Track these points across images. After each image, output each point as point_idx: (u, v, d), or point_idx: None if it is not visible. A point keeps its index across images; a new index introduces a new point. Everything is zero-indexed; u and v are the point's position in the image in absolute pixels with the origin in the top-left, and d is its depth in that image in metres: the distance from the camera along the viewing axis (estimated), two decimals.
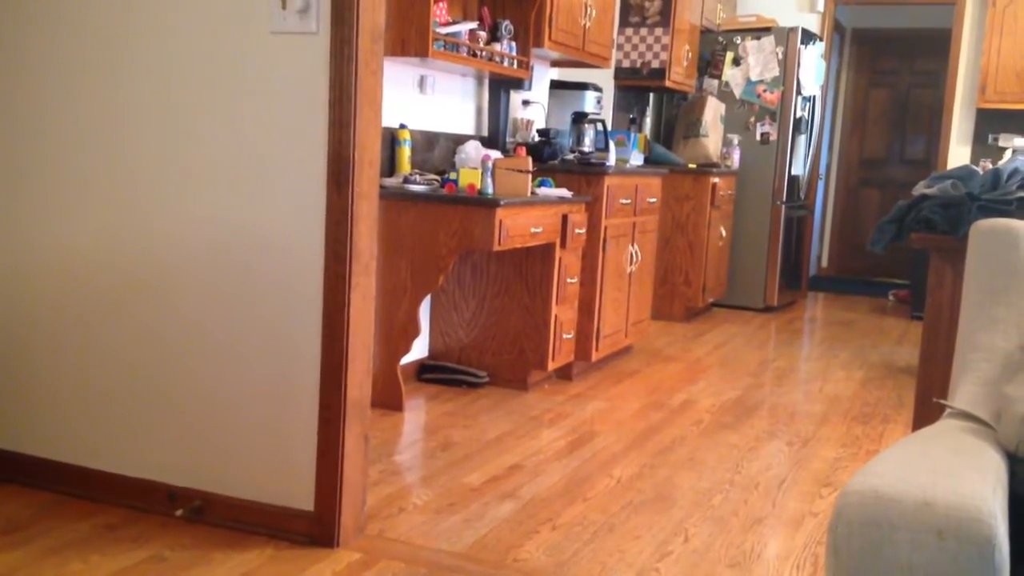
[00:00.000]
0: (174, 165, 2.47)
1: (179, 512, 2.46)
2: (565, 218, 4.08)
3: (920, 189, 2.24)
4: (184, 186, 2.47)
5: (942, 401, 1.59)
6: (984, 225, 1.91)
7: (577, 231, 4.17)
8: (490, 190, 3.74)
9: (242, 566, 2.25)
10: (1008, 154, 6.35)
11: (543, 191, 4.05)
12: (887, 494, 0.99)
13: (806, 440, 3.67)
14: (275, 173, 2.39)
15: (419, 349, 4.27)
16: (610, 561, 2.44)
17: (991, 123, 7.05)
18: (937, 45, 7.20)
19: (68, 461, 2.61)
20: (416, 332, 3.81)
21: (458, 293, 4.31)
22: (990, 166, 2.83)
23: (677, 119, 6.69)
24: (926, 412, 2.10)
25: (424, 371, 4.29)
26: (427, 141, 4.23)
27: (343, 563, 2.31)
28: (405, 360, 3.94)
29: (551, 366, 4.19)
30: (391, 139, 3.92)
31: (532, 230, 3.84)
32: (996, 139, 6.30)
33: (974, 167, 2.30)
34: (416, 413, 3.82)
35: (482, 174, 3.72)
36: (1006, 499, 1.13)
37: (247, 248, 2.43)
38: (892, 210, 2.29)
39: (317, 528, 2.39)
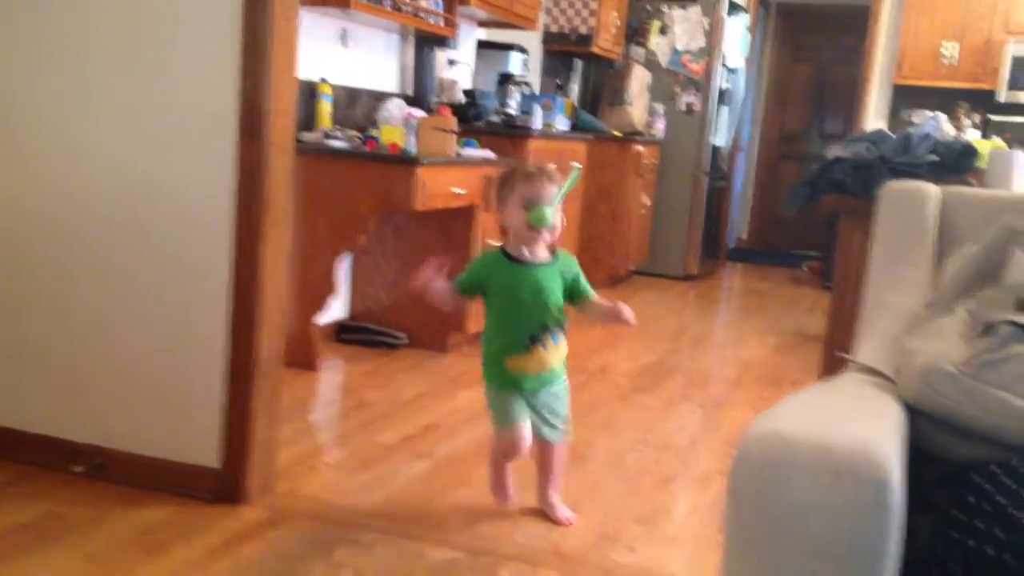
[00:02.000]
0: (79, 109, 2.37)
1: (79, 469, 2.38)
2: (488, 179, 4.04)
3: (834, 152, 2.27)
4: (90, 131, 2.37)
5: (845, 355, 1.62)
6: (893, 187, 1.94)
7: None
8: (413, 149, 3.69)
9: (144, 522, 2.19)
10: None
11: (467, 152, 4.01)
12: (786, 437, 0.99)
13: (718, 403, 3.73)
14: (185, 120, 2.30)
15: (339, 310, 4.20)
16: (521, 519, 2.43)
17: (906, 99, 7.23)
18: (858, 22, 7.32)
19: None
20: (331, 291, 3.75)
21: (380, 254, 4.24)
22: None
23: (603, 86, 6.69)
24: (832, 369, 2.14)
25: (343, 332, 4.23)
26: (348, 97, 4.14)
27: (249, 520, 2.26)
28: (324, 321, 3.88)
29: (471, 328, 4.17)
30: (311, 93, 3.82)
31: (454, 191, 3.79)
32: (910, 115, 6.45)
33: (886, 131, 2.33)
34: (332, 373, 3.76)
35: (405, 132, 3.66)
36: (903, 447, 1.15)
37: (155, 197, 2.34)
38: (806, 172, 2.31)
39: (223, 485, 2.34)
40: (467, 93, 4.66)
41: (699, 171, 6.70)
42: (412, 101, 4.48)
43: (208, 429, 2.34)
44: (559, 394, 2.36)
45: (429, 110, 4.44)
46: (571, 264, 2.30)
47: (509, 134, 4.39)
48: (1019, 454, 1.25)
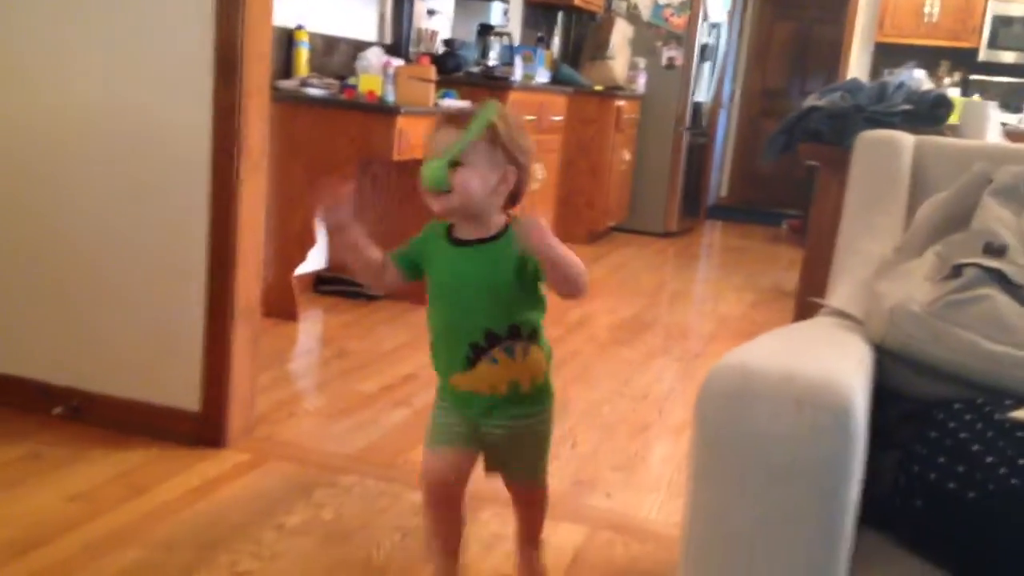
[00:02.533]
0: (56, 42, 2.34)
1: (57, 410, 2.39)
2: None
3: (810, 101, 2.28)
4: (70, 66, 2.34)
5: (817, 300, 1.64)
6: (868, 136, 1.96)
7: None
8: (391, 98, 3.67)
9: (123, 463, 2.21)
10: None
11: (446, 102, 3.99)
12: (751, 369, 1.01)
13: (695, 355, 3.77)
14: (162, 60, 2.28)
15: (316, 260, 4.20)
16: None
17: (887, 57, 7.24)
18: None
19: None
20: (312, 242, 3.74)
21: (358, 204, 4.23)
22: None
23: (585, 40, 6.65)
24: (805, 317, 2.17)
25: (321, 283, 4.23)
26: (326, 45, 4.11)
27: (229, 463, 2.29)
28: (302, 271, 3.87)
29: None
30: (288, 40, 3.78)
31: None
32: (891, 73, 6.46)
33: (861, 80, 2.34)
34: (311, 324, 3.77)
35: (383, 81, 3.64)
36: (867, 382, 1.18)
37: (135, 134, 2.32)
38: (782, 121, 2.33)
39: (203, 429, 2.35)
40: (446, 43, 4.63)
41: (680, 127, 6.70)
42: (391, 50, 4.44)
43: (188, 372, 2.35)
44: (534, 429, 1.65)
45: (408, 60, 4.41)
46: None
47: (488, 85, 4.36)
48: (982, 393, 1.29)
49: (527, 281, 1.52)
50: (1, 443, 2.25)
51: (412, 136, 3.60)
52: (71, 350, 2.43)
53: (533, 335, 1.57)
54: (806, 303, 2.21)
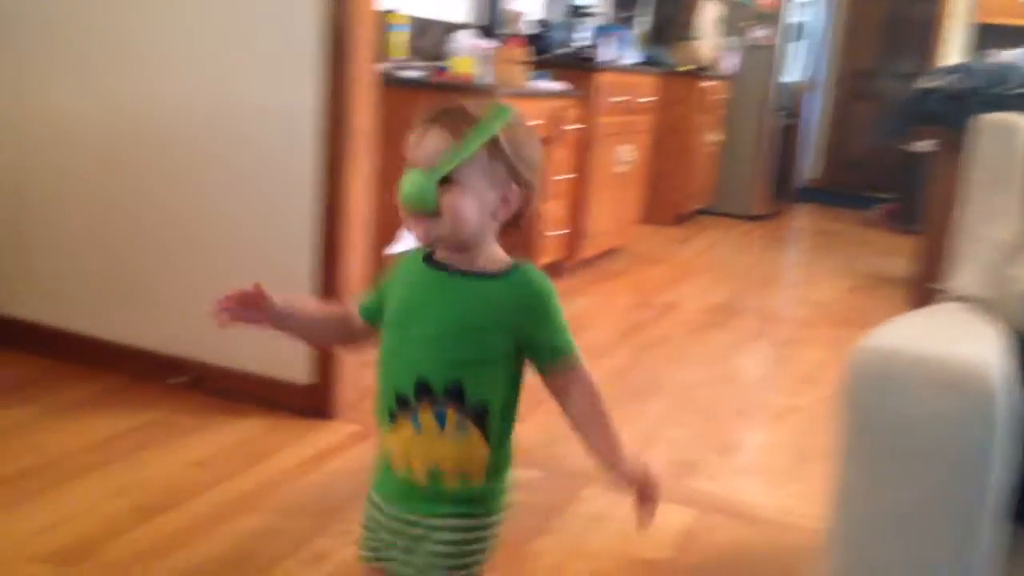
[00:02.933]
0: (172, 32, 2.42)
1: (176, 380, 2.49)
2: (559, 112, 4.03)
3: (922, 84, 2.24)
4: (181, 53, 2.42)
5: (937, 286, 1.62)
6: (988, 119, 1.91)
7: (570, 126, 4.14)
8: (485, 80, 3.69)
9: (240, 432, 2.29)
10: None
11: (538, 83, 4.00)
12: (898, 351, 1.01)
13: (790, 341, 3.73)
14: (270, 48, 2.34)
15: (408, 241, 4.26)
16: None
17: (985, 39, 7.00)
18: None
19: (67, 328, 2.61)
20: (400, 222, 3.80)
21: None
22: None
23: (672, 20, 6.58)
24: (922, 306, 2.14)
25: None
26: (418, 27, 4.15)
27: (342, 433, 2.35)
28: (392, 251, 3.93)
29: (540, 261, 4.20)
30: (381, 23, 3.83)
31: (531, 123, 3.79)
32: (995, 54, 6.25)
33: (975, 62, 2.29)
34: None
35: (477, 63, 3.66)
36: (1010, 365, 1.16)
37: (243, 121, 2.39)
38: (895, 104, 2.28)
39: (314, 400, 2.42)
40: (536, 24, 4.63)
41: (768, 108, 6.60)
42: (482, 32, 4.47)
43: (299, 347, 2.42)
44: (440, 542, 1.18)
45: (498, 41, 4.43)
46: (531, 290, 1.15)
47: (578, 66, 4.36)
48: None
49: (508, 352, 1.15)
50: (126, 410, 2.35)
51: None
52: (190, 324, 2.52)
53: (481, 415, 1.14)
54: (922, 293, 2.17)
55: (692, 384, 3.07)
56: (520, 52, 3.82)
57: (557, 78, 4.25)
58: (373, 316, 1.24)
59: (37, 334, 2.65)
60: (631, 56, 5.19)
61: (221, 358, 2.49)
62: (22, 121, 2.61)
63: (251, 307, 1.26)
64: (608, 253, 4.92)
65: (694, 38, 6.30)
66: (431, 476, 1.16)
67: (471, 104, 1.15)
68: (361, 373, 2.54)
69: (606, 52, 4.69)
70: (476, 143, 1.10)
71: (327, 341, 1.38)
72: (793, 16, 6.60)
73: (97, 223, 2.58)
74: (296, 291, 2.41)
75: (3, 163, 2.65)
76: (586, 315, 3.83)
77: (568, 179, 4.26)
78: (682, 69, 6.04)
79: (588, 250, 4.55)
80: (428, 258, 1.19)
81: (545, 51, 4.50)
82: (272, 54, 2.33)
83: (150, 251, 2.54)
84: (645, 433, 2.60)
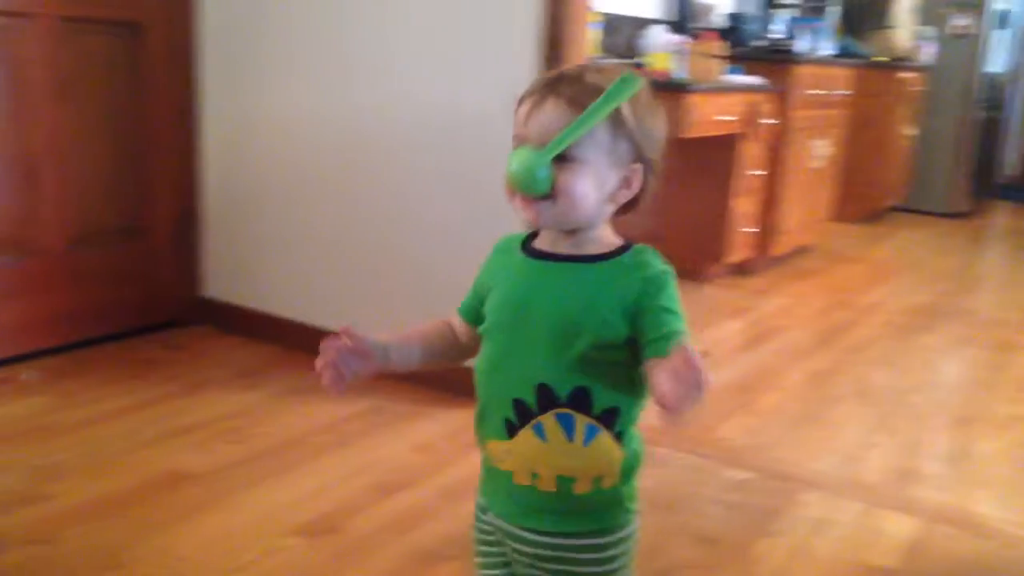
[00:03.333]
0: (384, 41, 2.50)
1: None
2: (754, 107, 3.95)
3: None
4: (392, 61, 2.50)
5: None
6: None
7: (765, 121, 4.04)
8: (681, 75, 3.65)
9: (454, 421, 2.35)
10: None
11: (733, 78, 3.93)
12: None
13: (1004, 346, 3.51)
14: (484, 50, 2.38)
15: None
16: (814, 448, 2.42)
17: None
18: None
19: (291, 318, 2.76)
20: None
21: None
22: None
23: (867, 9, 6.31)
24: None
25: None
26: (610, 24, 4.14)
27: None
28: None
29: (730, 259, 4.13)
30: None
31: (720, 118, 3.73)
32: None
33: None
34: None
35: (674, 58, 3.63)
36: None
37: (453, 125, 2.45)
38: None
39: None
40: (730, 17, 4.54)
41: (969, 100, 6.23)
42: (673, 27, 4.42)
43: None
44: (582, 564, 1.07)
45: (690, 35, 4.37)
46: (650, 271, 1.02)
47: (773, 59, 4.24)
48: None
49: (627, 344, 0.99)
50: (347, 397, 2.46)
51: (701, 114, 3.58)
52: (404, 316, 2.61)
53: (610, 419, 1.01)
54: None
55: (905, 390, 2.94)
56: (714, 46, 3.76)
57: (749, 72, 4.16)
58: (478, 318, 1.10)
59: (266, 323, 2.82)
60: (825, 48, 5.01)
61: None
62: (243, 126, 2.78)
63: (354, 356, 1.08)
64: (799, 251, 4.78)
65: (889, 27, 6.02)
66: (561, 482, 1.03)
67: (591, 71, 1.02)
68: None
69: (801, 44, 4.55)
70: (598, 116, 0.97)
71: (441, 360, 1.16)
72: (997, 3, 6.21)
73: (323, 219, 2.71)
74: None
75: (244, 163, 2.83)
76: (781, 315, 3.74)
77: (759, 175, 4.16)
78: (877, 60, 5.79)
79: (779, 248, 4.44)
80: (526, 245, 1.07)
81: (739, 44, 4.41)
82: (487, 60, 2.38)
83: (372, 247, 2.65)
84: (860, 439, 2.51)
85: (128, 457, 2.06)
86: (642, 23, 4.32)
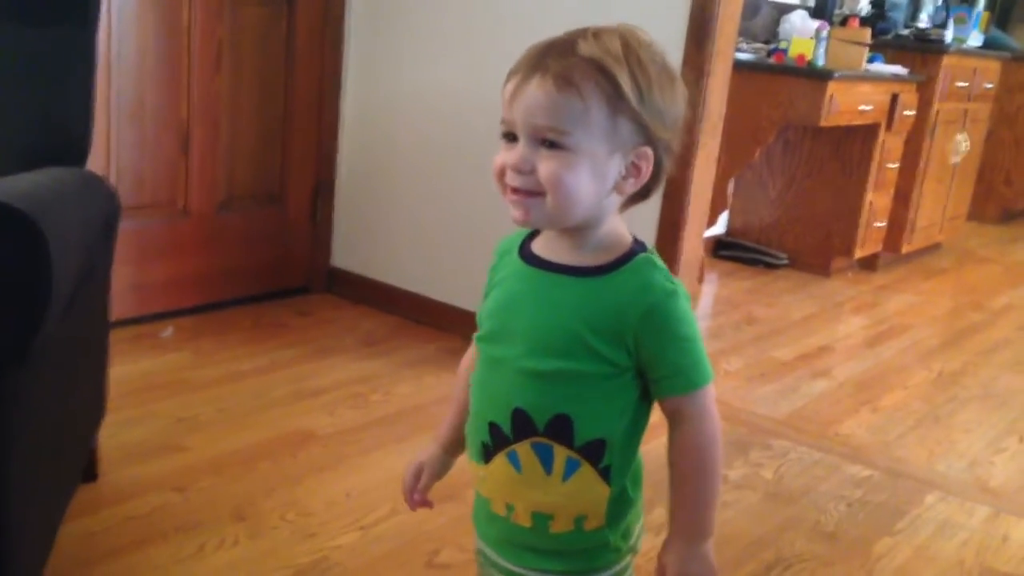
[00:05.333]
0: (533, 19, 2.52)
1: None
2: (895, 97, 3.81)
3: None
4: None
5: None
6: None
7: (906, 112, 3.90)
8: (821, 61, 3.56)
9: None
10: None
11: (875, 66, 3.80)
12: None
13: None
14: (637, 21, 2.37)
15: (717, 225, 4.22)
16: (938, 449, 2.35)
17: None
18: None
19: (416, 291, 2.83)
20: (724, 205, 3.76)
21: (765, 170, 4.18)
22: None
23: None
24: None
25: (720, 248, 4.25)
26: (749, 8, 4.05)
27: None
28: (707, 234, 3.91)
29: (858, 254, 4.01)
30: None
31: (860, 108, 3.62)
32: None
33: None
34: (714, 287, 3.80)
35: (815, 44, 3.54)
36: None
37: None
38: None
39: None
40: (875, 4, 4.39)
41: None
42: (815, 13, 4.30)
43: None
44: None
45: (831, 22, 4.24)
46: (651, 293, 0.88)
47: (919, 49, 4.08)
48: None
49: (625, 368, 0.88)
50: None
51: (841, 102, 3.48)
52: None
53: (595, 453, 0.89)
54: None
55: None
56: (860, 33, 3.65)
57: (895, 61, 4.02)
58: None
59: (392, 294, 2.89)
60: (975, 39, 4.79)
61: None
62: (375, 103, 2.85)
63: (426, 496, 1.10)
64: (930, 249, 4.60)
65: None
66: (537, 519, 0.92)
67: (585, 39, 0.86)
68: None
69: (947, 33, 4.36)
70: (592, 94, 0.84)
71: None
72: None
73: (452, 197, 2.75)
74: None
75: (380, 137, 2.90)
76: (908, 313, 3.62)
77: (896, 168, 4.02)
78: None
79: (910, 244, 4.28)
80: (525, 246, 0.95)
81: (884, 32, 4.26)
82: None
83: (488, 223, 2.68)
84: (987, 443, 2.42)
85: (258, 415, 2.15)
86: (784, 8, 4.22)
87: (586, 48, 0.85)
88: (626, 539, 0.95)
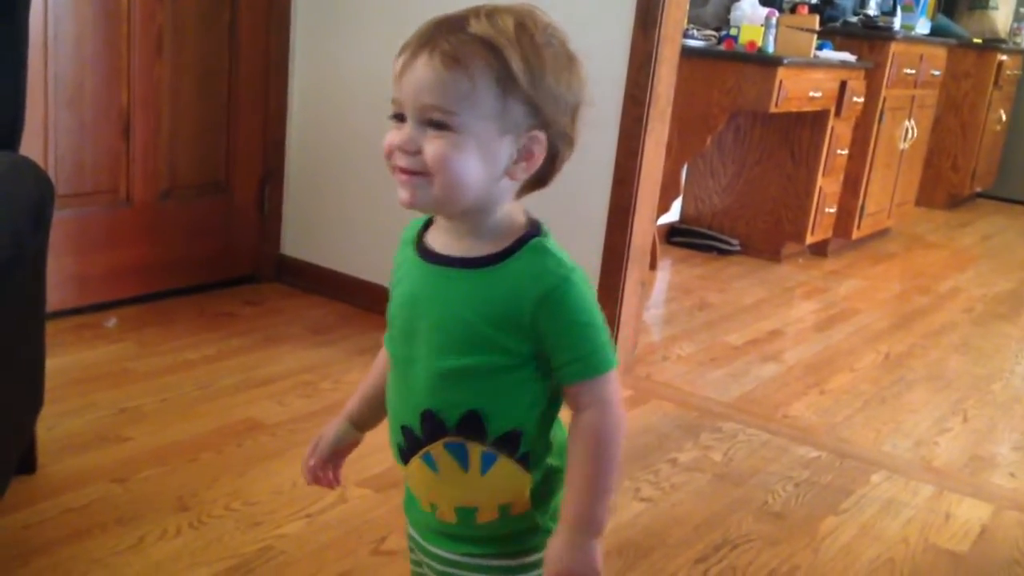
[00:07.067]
0: (471, 3, 2.51)
1: None
2: (844, 84, 3.85)
3: None
4: None
5: None
6: None
7: (855, 99, 3.94)
8: (771, 48, 3.58)
9: None
10: None
11: (824, 53, 3.84)
12: None
13: None
14: (582, 11, 2.37)
15: (670, 212, 4.24)
16: (884, 429, 2.38)
17: None
18: None
19: (365, 278, 2.80)
20: (677, 193, 3.78)
21: (716, 158, 4.20)
22: None
23: None
24: None
25: (673, 234, 4.26)
26: None
27: None
28: (661, 222, 3.92)
29: (809, 240, 4.05)
30: None
31: (810, 94, 3.65)
32: None
33: None
34: (667, 273, 3.82)
35: (764, 31, 3.56)
36: None
37: None
38: None
39: None
40: None
41: None
42: (765, 0, 4.33)
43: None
44: None
45: (781, 9, 4.27)
46: (547, 278, 0.85)
47: (867, 36, 4.12)
48: None
49: (530, 356, 0.86)
50: None
51: (791, 89, 3.51)
52: None
53: (510, 444, 0.88)
54: None
55: (984, 377, 2.86)
56: (808, 20, 3.68)
57: (844, 48, 4.06)
58: None
59: (341, 282, 2.86)
60: (923, 26, 4.85)
61: None
62: (324, 86, 2.82)
63: (329, 463, 1.07)
64: (879, 234, 4.67)
65: (989, 8, 5.80)
66: (461, 514, 0.92)
67: (478, 17, 0.83)
68: (635, 341, 2.56)
69: (895, 21, 4.41)
70: (480, 74, 0.80)
71: None
72: None
73: (394, 182, 2.73)
74: (586, 255, 2.44)
75: (328, 124, 2.87)
76: (856, 297, 3.66)
77: (846, 155, 4.07)
78: (973, 41, 5.59)
79: (859, 230, 4.33)
80: (420, 240, 0.92)
81: (832, 20, 4.30)
82: (585, 25, 2.35)
83: None
84: (932, 423, 2.46)
85: (204, 405, 2.11)
86: None
87: (477, 26, 0.82)
88: (556, 520, 0.91)
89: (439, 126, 0.81)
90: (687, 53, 3.59)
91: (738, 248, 4.16)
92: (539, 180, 0.90)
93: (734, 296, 3.51)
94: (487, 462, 0.88)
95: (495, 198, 0.86)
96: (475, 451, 0.88)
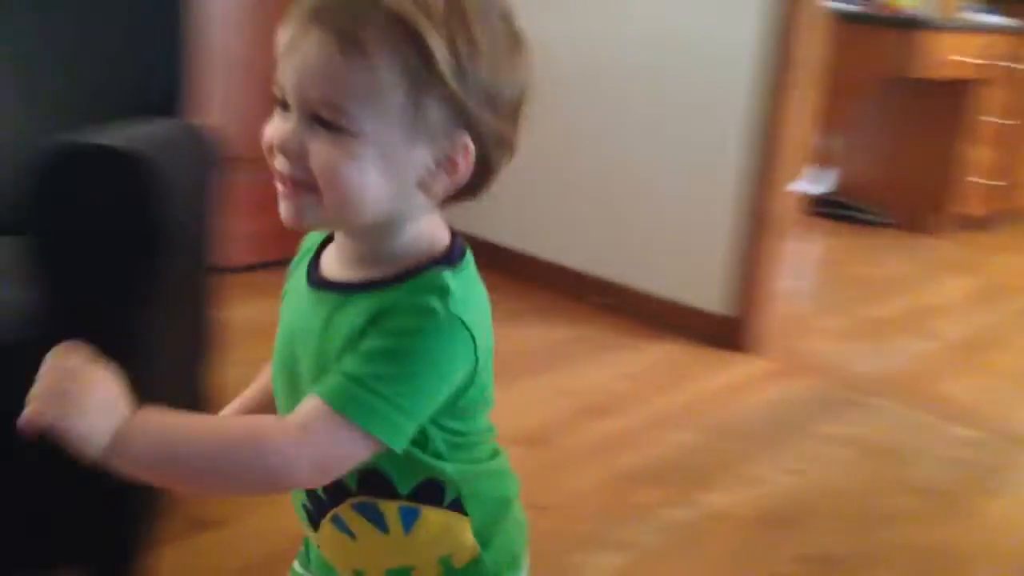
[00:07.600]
0: None
1: (593, 300, 2.62)
2: (1000, 50, 3.63)
3: None
4: None
5: None
6: None
7: (1014, 65, 3.72)
8: (928, 13, 3.43)
9: (659, 353, 2.38)
10: None
11: (981, 17, 3.64)
12: None
13: None
14: None
15: (821, 183, 4.11)
16: None
17: None
18: None
19: (513, 246, 2.84)
20: (827, 163, 3.67)
21: (868, 127, 4.04)
22: None
23: None
24: None
25: (824, 205, 4.13)
26: None
27: (759, 369, 2.35)
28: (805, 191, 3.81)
29: (963, 212, 3.86)
30: None
31: (966, 60, 3.47)
32: None
33: None
34: (811, 245, 3.72)
35: None
36: None
37: (682, 51, 2.43)
38: None
39: (730, 332, 2.43)
40: None
41: None
42: None
43: (716, 276, 2.44)
44: None
45: None
46: (408, 306, 0.64)
47: None
48: None
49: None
50: (556, 324, 2.53)
51: (946, 54, 3.36)
52: (608, 246, 2.64)
53: (431, 493, 0.72)
54: None
55: None
56: None
57: (1005, 12, 3.83)
58: None
59: (490, 251, 2.88)
60: None
61: (637, 281, 2.58)
62: None
63: None
64: None
65: None
66: (392, 575, 0.75)
67: None
68: (779, 308, 2.51)
69: None
70: (388, 64, 0.62)
71: None
72: None
73: (546, 150, 2.75)
74: (716, 219, 2.42)
75: None
76: (1018, 274, 3.48)
77: (1001, 123, 3.84)
78: None
79: (1020, 202, 4.09)
80: (314, 259, 0.73)
81: None
82: None
83: (583, 176, 2.68)
84: None
85: None
86: None
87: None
88: (517, 563, 0.77)
89: (331, 126, 0.63)
90: (839, 17, 3.48)
91: (890, 221, 4.00)
92: (468, 190, 0.69)
93: (881, 269, 3.39)
94: (408, 519, 0.71)
95: (405, 216, 0.68)
96: (390, 509, 0.71)
